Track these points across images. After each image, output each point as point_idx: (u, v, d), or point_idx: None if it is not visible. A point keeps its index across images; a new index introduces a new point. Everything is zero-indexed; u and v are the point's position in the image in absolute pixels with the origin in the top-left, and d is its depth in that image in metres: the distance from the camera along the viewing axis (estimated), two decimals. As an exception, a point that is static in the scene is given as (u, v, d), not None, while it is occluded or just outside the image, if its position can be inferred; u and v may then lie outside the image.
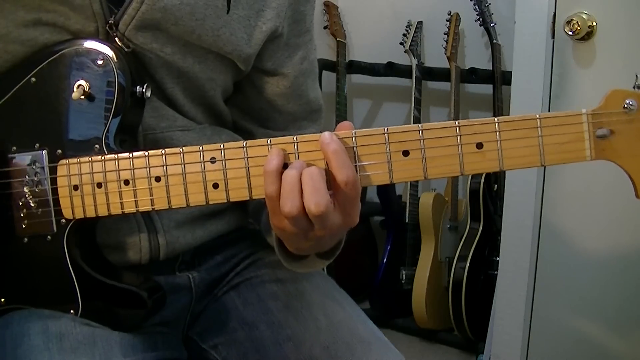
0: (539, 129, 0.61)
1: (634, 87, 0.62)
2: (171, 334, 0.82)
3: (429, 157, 0.62)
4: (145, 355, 0.73)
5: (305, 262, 0.75)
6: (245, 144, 0.64)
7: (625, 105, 0.61)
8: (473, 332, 2.01)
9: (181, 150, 0.66)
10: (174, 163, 0.66)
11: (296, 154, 0.63)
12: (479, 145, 0.62)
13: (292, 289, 0.84)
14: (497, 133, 0.61)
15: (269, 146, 0.63)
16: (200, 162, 0.65)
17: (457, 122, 0.62)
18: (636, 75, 0.62)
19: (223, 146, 0.65)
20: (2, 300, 0.73)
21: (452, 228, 2.14)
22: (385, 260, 2.19)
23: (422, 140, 0.62)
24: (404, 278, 2.15)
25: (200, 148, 0.65)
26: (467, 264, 2.01)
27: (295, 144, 0.63)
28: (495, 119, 0.62)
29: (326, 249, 0.71)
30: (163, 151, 0.66)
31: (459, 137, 0.62)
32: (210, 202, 0.66)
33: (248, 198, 0.65)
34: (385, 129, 0.62)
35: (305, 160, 0.62)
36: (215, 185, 0.65)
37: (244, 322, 0.82)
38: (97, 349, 0.69)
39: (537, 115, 0.61)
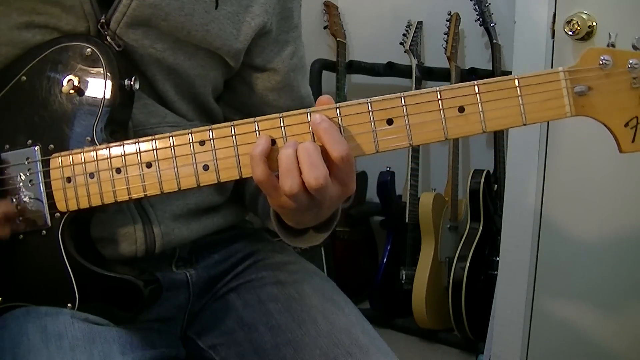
0: (518, 88, 0.63)
1: (607, 45, 0.63)
2: (169, 332, 0.82)
3: (412, 124, 0.64)
4: (144, 352, 0.73)
5: (305, 238, 0.76)
6: (233, 123, 0.65)
7: (601, 62, 0.62)
8: (473, 332, 2.01)
9: (171, 134, 0.67)
10: (164, 147, 0.67)
11: (282, 128, 0.64)
12: (461, 109, 0.63)
13: (292, 292, 0.84)
14: (478, 95, 0.63)
15: (256, 124, 0.65)
16: (190, 144, 0.66)
17: (437, 88, 0.63)
18: (609, 34, 0.64)
19: (211, 128, 0.66)
20: (0, 299, 0.73)
21: (452, 228, 2.14)
22: (385, 260, 2.18)
23: (404, 107, 0.64)
24: (404, 278, 2.15)
25: (189, 131, 0.66)
26: (467, 264, 2.00)
27: (281, 119, 0.64)
28: (475, 82, 0.63)
29: (324, 219, 0.72)
30: (153, 137, 0.67)
31: (440, 102, 0.64)
32: (202, 184, 0.67)
33: (238, 177, 0.66)
34: (368, 99, 0.64)
35: (293, 134, 0.64)
36: (206, 167, 0.66)
37: (243, 323, 0.82)
38: (96, 347, 0.69)
39: (516, 76, 0.63)
